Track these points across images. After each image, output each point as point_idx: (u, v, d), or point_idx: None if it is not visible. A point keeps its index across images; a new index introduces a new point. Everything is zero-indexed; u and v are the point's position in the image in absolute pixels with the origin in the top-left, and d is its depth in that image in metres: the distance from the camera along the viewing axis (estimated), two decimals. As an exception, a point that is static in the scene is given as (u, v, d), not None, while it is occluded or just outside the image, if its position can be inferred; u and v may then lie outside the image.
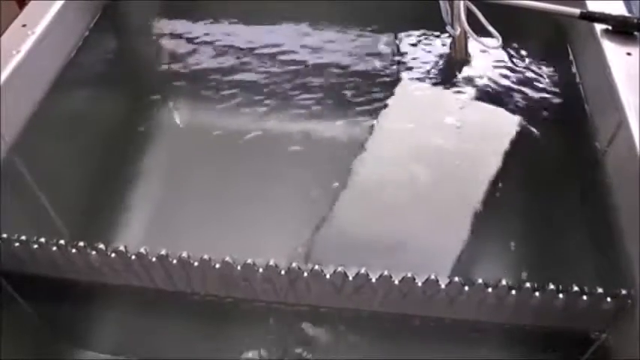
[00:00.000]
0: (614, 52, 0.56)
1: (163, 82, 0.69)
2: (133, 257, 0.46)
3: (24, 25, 0.60)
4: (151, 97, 0.68)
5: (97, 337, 0.51)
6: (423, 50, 0.69)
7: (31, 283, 0.51)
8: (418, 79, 0.66)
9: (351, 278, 0.44)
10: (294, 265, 0.45)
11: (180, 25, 0.75)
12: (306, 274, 0.45)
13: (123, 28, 0.75)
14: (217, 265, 0.45)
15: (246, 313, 0.50)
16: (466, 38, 0.66)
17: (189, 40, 0.73)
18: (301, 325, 0.49)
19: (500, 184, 0.56)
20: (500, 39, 0.64)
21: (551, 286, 0.43)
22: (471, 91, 0.65)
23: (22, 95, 0.58)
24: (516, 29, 0.67)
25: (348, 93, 0.66)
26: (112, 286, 0.50)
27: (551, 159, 0.59)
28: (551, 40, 0.68)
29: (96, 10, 0.72)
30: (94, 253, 0.46)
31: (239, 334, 0.50)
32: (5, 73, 0.55)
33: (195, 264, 0.46)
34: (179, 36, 0.74)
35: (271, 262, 0.45)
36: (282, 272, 0.45)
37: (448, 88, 0.65)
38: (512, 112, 0.62)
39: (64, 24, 0.65)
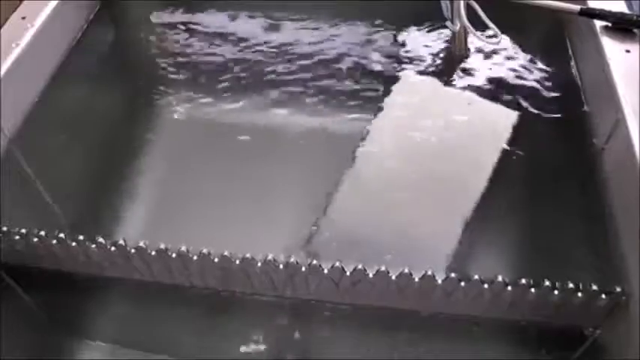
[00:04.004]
0: (613, 49, 0.56)
1: (162, 74, 0.69)
2: (133, 251, 0.46)
3: (23, 18, 0.60)
4: (150, 89, 0.68)
5: (97, 329, 0.51)
6: (423, 46, 0.69)
7: (31, 275, 0.51)
8: (418, 74, 0.66)
9: (348, 273, 0.45)
10: (292, 259, 0.45)
11: (180, 18, 0.75)
12: (304, 268, 0.45)
13: (122, 20, 0.75)
14: (216, 259, 0.46)
15: (244, 306, 0.50)
16: (466, 34, 0.66)
17: (189, 33, 0.73)
18: (299, 318, 0.50)
19: (497, 180, 0.57)
20: (499, 35, 0.64)
21: (547, 283, 0.43)
22: (470, 87, 0.65)
23: (21, 88, 0.58)
24: (516, 25, 0.67)
25: (349, 87, 0.66)
26: (112, 279, 0.50)
27: (549, 155, 0.59)
28: (551, 37, 0.68)
29: (95, 2, 0.72)
30: (93, 246, 0.47)
31: (237, 327, 0.50)
32: (5, 66, 0.56)
33: (195, 258, 0.46)
34: (178, 28, 0.74)
35: (270, 257, 0.45)
36: (281, 267, 0.45)
37: (448, 84, 0.65)
38: (511, 107, 0.62)
39: (64, 16, 0.65)
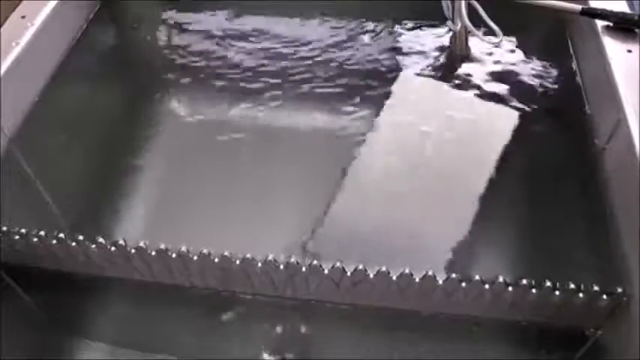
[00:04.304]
0: (614, 49, 0.56)
1: (163, 73, 0.69)
2: (133, 251, 0.46)
3: (23, 17, 0.60)
4: (151, 89, 0.68)
5: (97, 329, 0.51)
6: (423, 45, 0.69)
7: (31, 275, 0.51)
8: (418, 74, 0.66)
9: (349, 274, 0.45)
10: (293, 259, 0.45)
11: (180, 16, 0.74)
12: (304, 269, 0.45)
13: (122, 19, 0.75)
14: (216, 260, 0.46)
15: (244, 307, 0.50)
16: (467, 33, 0.66)
17: (190, 31, 0.73)
18: (299, 319, 0.50)
19: (498, 180, 0.56)
20: (501, 34, 0.64)
21: (548, 283, 0.43)
22: (470, 87, 0.64)
23: (21, 87, 0.58)
24: (517, 25, 0.67)
25: (349, 86, 0.66)
26: (112, 279, 0.50)
27: (550, 155, 0.59)
28: (552, 36, 0.68)
29: (95, 1, 0.71)
30: (93, 246, 0.47)
31: (237, 327, 0.50)
32: (5, 65, 0.55)
33: (195, 258, 0.46)
34: (179, 27, 0.73)
35: (270, 257, 0.45)
36: (281, 267, 0.45)
37: (448, 83, 0.65)
38: (512, 107, 0.62)
39: (64, 15, 0.65)
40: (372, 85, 0.66)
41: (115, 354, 0.49)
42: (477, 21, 0.63)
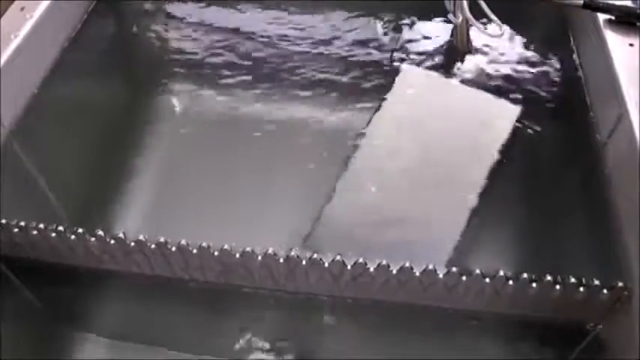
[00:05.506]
0: (616, 42, 0.56)
1: (163, 66, 0.69)
2: (132, 244, 0.46)
3: (22, 9, 0.59)
4: (151, 82, 0.68)
5: (96, 322, 0.51)
6: (424, 38, 0.69)
7: (31, 268, 0.51)
8: (419, 67, 0.66)
9: (349, 267, 0.45)
10: (292, 253, 0.45)
11: (180, 9, 0.74)
12: (304, 262, 0.45)
13: (121, 11, 0.75)
14: (216, 253, 0.46)
15: (244, 300, 0.50)
16: (468, 27, 0.66)
17: (189, 24, 0.73)
18: (299, 312, 0.50)
19: (499, 174, 0.56)
20: (502, 28, 0.63)
21: (548, 278, 0.43)
22: (471, 80, 0.64)
23: (21, 80, 0.58)
24: (519, 18, 0.66)
25: (349, 80, 0.66)
26: (111, 272, 0.50)
27: (551, 150, 0.59)
28: (554, 30, 0.67)
29: (95, -7, 0.71)
30: (93, 239, 0.47)
31: (236, 321, 0.50)
32: (4, 58, 0.55)
33: (194, 251, 0.46)
34: (179, 20, 0.73)
35: (270, 251, 0.45)
36: (281, 260, 0.45)
37: (449, 77, 0.65)
38: (513, 101, 0.62)
39: (63, 8, 0.64)
40: (373, 79, 0.65)
41: (114, 347, 0.49)
42: (478, 14, 0.63)
